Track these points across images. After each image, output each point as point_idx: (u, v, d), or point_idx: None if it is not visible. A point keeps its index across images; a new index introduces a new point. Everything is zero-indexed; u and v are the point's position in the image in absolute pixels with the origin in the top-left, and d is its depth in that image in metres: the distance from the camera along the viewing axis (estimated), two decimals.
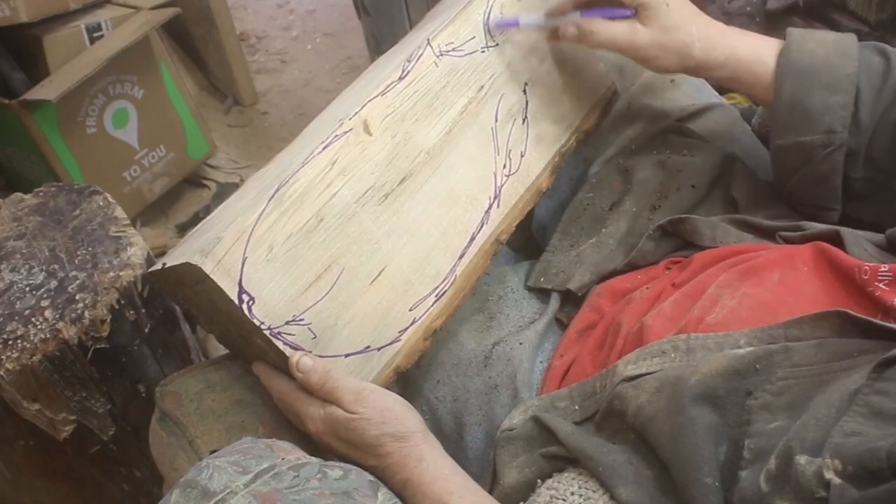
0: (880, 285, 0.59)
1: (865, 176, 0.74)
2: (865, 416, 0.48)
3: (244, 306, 0.60)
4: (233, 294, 0.59)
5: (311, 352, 0.63)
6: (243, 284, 0.60)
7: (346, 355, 0.65)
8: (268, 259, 0.61)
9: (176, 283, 0.64)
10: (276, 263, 0.62)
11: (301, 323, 0.63)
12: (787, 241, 0.71)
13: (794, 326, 0.58)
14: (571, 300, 0.79)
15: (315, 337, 0.64)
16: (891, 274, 0.59)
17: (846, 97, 0.71)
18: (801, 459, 0.47)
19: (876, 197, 0.75)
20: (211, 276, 0.58)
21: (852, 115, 0.71)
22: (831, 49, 0.72)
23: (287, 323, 0.62)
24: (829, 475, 0.45)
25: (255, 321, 0.60)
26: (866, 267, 0.60)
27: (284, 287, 0.62)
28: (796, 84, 0.72)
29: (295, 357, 0.62)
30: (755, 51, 0.74)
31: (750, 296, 0.63)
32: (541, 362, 0.75)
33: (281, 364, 0.63)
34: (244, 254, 0.60)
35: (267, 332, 0.61)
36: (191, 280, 0.61)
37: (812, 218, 0.76)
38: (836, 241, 0.67)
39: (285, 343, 0.62)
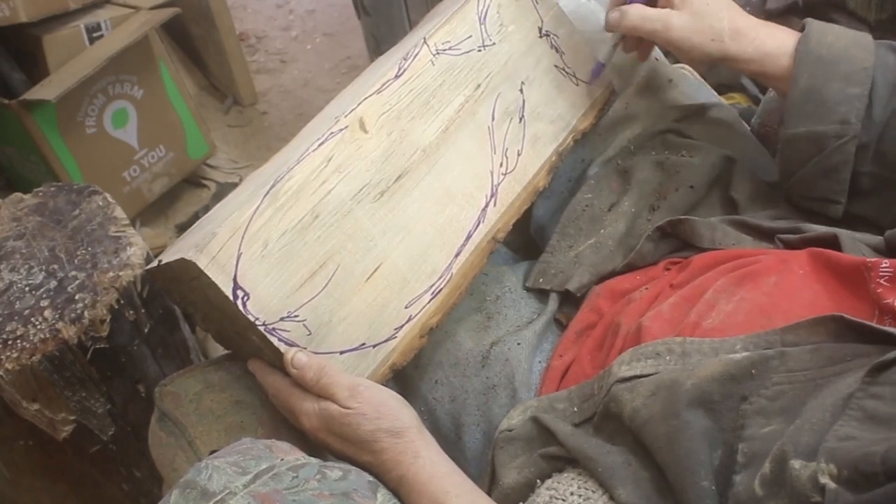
0: (881, 282, 0.59)
1: (872, 171, 0.73)
2: (860, 421, 0.48)
3: (239, 302, 0.60)
4: (227, 290, 0.59)
5: (305, 348, 0.63)
6: (238, 280, 0.60)
7: (342, 352, 0.65)
8: (263, 255, 0.61)
9: (172, 281, 0.64)
10: (271, 259, 0.62)
11: (296, 319, 0.63)
12: (786, 243, 0.71)
13: (791, 332, 0.57)
14: (570, 301, 0.79)
15: (310, 333, 0.64)
16: (891, 270, 0.59)
17: (862, 89, 0.71)
18: (796, 464, 0.47)
19: (880, 193, 0.74)
20: (205, 271, 0.58)
21: (866, 109, 0.71)
22: (849, 42, 0.73)
23: (282, 319, 0.62)
24: (823, 479, 0.45)
25: (249, 317, 0.60)
26: (869, 262, 0.60)
27: (279, 283, 0.62)
28: (814, 73, 0.72)
29: (290, 353, 0.62)
30: (782, 44, 0.74)
31: (746, 300, 0.63)
32: (539, 362, 0.75)
33: (276, 361, 0.63)
34: (239, 249, 0.60)
35: (262, 328, 0.61)
36: (186, 276, 0.61)
37: (814, 213, 0.76)
38: (834, 244, 0.67)
39: (280, 339, 0.62)
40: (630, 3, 0.78)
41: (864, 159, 0.73)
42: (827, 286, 0.63)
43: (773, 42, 0.74)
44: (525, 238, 0.93)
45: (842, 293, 0.62)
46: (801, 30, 0.75)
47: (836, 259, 0.63)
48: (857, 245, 0.66)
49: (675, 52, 0.78)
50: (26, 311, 0.84)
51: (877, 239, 0.68)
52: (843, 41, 0.73)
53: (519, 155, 0.79)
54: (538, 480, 0.63)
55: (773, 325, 0.59)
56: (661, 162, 0.83)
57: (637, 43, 0.83)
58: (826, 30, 0.74)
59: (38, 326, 0.82)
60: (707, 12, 0.74)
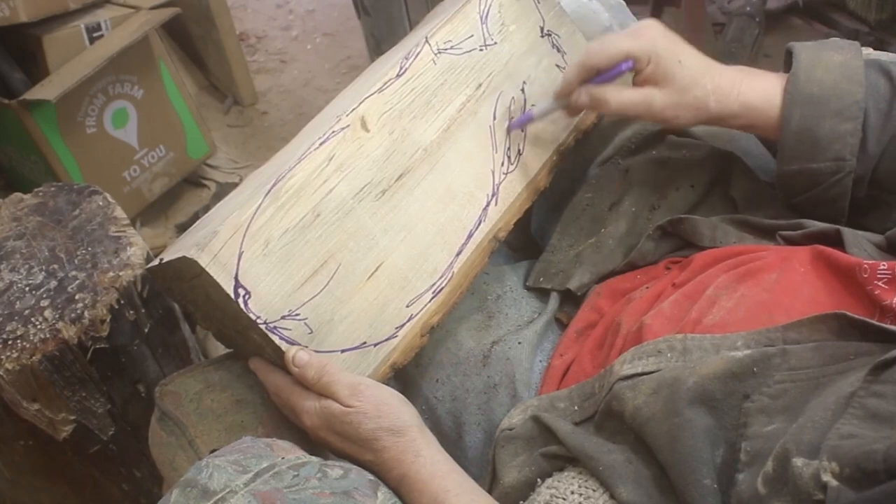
0: (879, 283, 0.59)
1: (869, 193, 0.73)
2: (861, 419, 0.48)
3: (240, 300, 0.60)
4: (229, 288, 0.59)
5: (307, 347, 0.63)
6: (239, 278, 0.60)
7: (343, 351, 0.65)
8: (264, 253, 0.61)
9: (173, 279, 0.64)
10: (272, 258, 0.62)
11: (297, 318, 0.63)
12: (787, 239, 0.71)
13: (793, 329, 0.57)
14: (571, 300, 0.79)
15: (311, 332, 0.64)
16: (890, 272, 0.59)
17: (855, 124, 0.70)
18: (798, 462, 0.47)
19: (878, 209, 0.75)
20: (207, 269, 0.58)
21: (860, 142, 0.70)
22: (839, 75, 0.71)
23: (283, 317, 0.62)
24: (825, 477, 0.45)
25: (251, 315, 0.60)
26: (866, 265, 0.60)
27: (281, 282, 0.62)
28: (805, 112, 0.71)
29: (291, 352, 0.62)
30: (766, 94, 0.72)
31: (747, 297, 0.63)
32: (540, 362, 0.75)
33: (277, 359, 0.63)
34: (240, 248, 0.60)
35: (263, 327, 0.61)
36: (188, 275, 0.61)
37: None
38: (836, 239, 0.67)
39: (281, 338, 0.62)
40: (594, 83, 0.74)
41: (860, 187, 0.72)
42: (828, 284, 0.63)
43: (756, 94, 0.72)
44: (526, 237, 0.93)
45: (842, 291, 0.62)
46: (786, 58, 0.74)
47: (835, 258, 0.63)
48: (859, 240, 0.66)
49: (660, 125, 0.76)
50: (26, 311, 0.84)
51: (879, 237, 0.68)
52: (833, 75, 0.71)
53: (520, 154, 0.79)
54: (539, 479, 0.63)
55: (774, 322, 0.59)
56: (661, 161, 0.83)
57: (579, 111, 0.80)
58: (814, 63, 0.72)
59: (39, 326, 0.82)
60: (690, 84, 0.72)
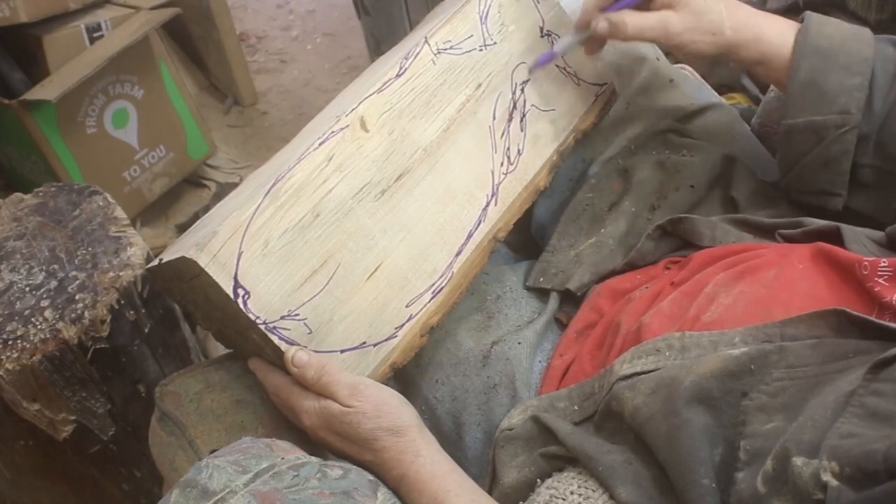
0: (880, 280, 0.59)
1: (873, 163, 0.73)
2: (861, 418, 0.48)
3: (239, 300, 0.60)
4: (228, 288, 0.59)
5: (306, 347, 0.63)
6: (238, 279, 0.60)
7: (342, 351, 0.65)
8: (263, 253, 0.61)
9: (173, 279, 0.64)
10: (271, 258, 0.62)
11: (296, 318, 0.63)
12: (787, 238, 0.71)
13: (791, 325, 0.57)
14: (570, 300, 0.79)
15: (311, 332, 0.64)
16: (891, 269, 0.58)
17: (862, 79, 0.71)
18: (798, 461, 0.47)
19: (881, 187, 0.74)
20: (206, 269, 0.58)
21: (867, 99, 0.71)
22: (849, 34, 0.73)
23: (282, 318, 0.62)
24: (825, 477, 0.45)
25: (250, 315, 0.60)
26: (866, 262, 0.60)
27: (280, 282, 0.62)
28: (814, 64, 0.72)
29: (290, 352, 0.62)
30: (781, 34, 0.74)
31: (746, 293, 0.63)
32: (539, 362, 0.75)
33: (276, 359, 0.64)
34: (240, 248, 0.60)
35: (262, 327, 0.61)
36: (187, 275, 0.61)
37: (814, 207, 0.76)
38: (836, 236, 0.67)
39: (280, 338, 0.62)
40: (612, 9, 0.76)
41: (864, 151, 0.73)
42: (827, 280, 0.63)
43: (773, 31, 0.74)
44: (526, 237, 0.93)
45: (841, 287, 0.62)
46: (801, 22, 0.75)
47: (835, 254, 0.63)
48: (858, 237, 0.66)
49: (676, 52, 0.77)
50: (27, 311, 0.84)
51: (879, 233, 0.68)
52: (843, 33, 0.73)
53: (520, 154, 0.79)
54: (538, 479, 0.63)
55: (773, 318, 0.59)
56: (661, 161, 0.83)
57: (599, 44, 0.81)
58: (825, 22, 0.74)
59: (39, 326, 0.82)
60: (705, 8, 0.73)
